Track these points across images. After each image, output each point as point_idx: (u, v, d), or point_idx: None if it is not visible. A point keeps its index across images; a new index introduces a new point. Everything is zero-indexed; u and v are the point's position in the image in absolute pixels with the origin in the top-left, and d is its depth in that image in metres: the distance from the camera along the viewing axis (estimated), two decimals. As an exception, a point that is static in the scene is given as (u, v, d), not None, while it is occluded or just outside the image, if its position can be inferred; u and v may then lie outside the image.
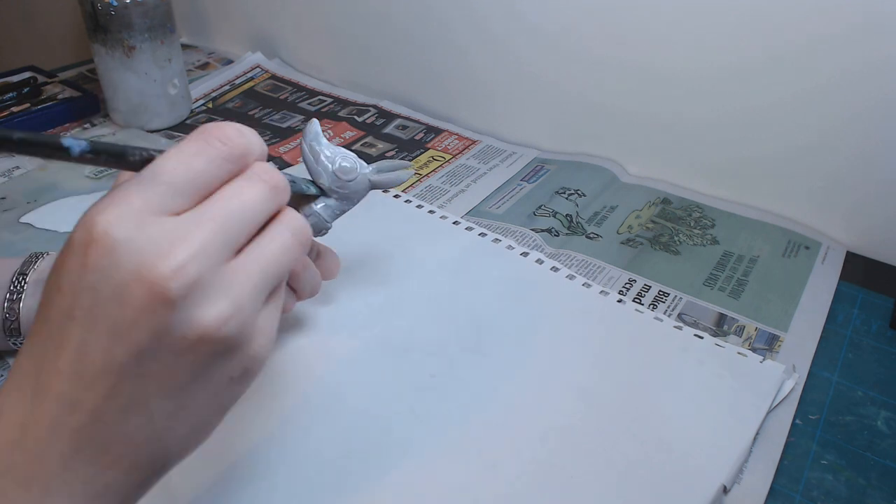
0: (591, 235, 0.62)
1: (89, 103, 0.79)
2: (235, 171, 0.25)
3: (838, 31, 0.56)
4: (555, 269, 0.56)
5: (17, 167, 0.69)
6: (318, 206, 0.40)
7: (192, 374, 0.24)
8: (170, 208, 0.23)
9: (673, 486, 0.39)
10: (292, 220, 0.27)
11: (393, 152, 0.75)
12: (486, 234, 0.60)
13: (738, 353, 0.48)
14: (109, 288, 0.22)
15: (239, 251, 0.25)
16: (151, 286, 0.22)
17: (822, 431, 0.44)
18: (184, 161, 0.24)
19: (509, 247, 0.58)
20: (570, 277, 0.55)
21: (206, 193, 0.24)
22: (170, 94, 0.76)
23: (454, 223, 0.61)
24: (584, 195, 0.68)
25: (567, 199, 0.67)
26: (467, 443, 0.41)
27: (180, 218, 0.23)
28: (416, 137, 0.78)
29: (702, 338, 0.49)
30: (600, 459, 0.40)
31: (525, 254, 0.57)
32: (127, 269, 0.22)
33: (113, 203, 0.23)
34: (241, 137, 0.25)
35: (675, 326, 0.51)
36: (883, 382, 0.48)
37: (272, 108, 0.85)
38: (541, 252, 0.58)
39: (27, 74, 0.85)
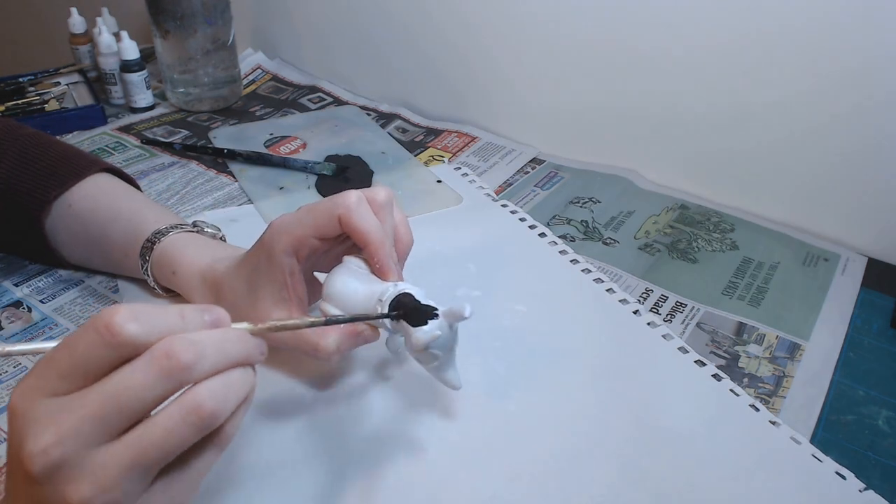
0: (608, 241, 0.61)
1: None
2: (126, 355, 0.25)
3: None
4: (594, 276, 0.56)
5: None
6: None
7: None
8: (55, 390, 0.25)
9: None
10: (186, 402, 0.25)
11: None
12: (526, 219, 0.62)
13: (750, 405, 0.45)
14: (10, 454, 0.26)
15: (124, 432, 0.25)
16: (21, 463, 0.24)
17: (823, 431, 0.44)
18: (68, 348, 0.25)
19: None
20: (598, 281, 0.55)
21: (96, 376, 0.25)
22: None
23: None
24: (599, 202, 0.67)
25: (581, 207, 0.66)
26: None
27: (61, 400, 0.25)
28: (416, 139, 0.78)
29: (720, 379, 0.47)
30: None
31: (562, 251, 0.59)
32: (17, 442, 0.25)
33: (27, 377, 0.25)
34: (131, 323, 0.25)
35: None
36: (884, 381, 0.48)
37: (273, 107, 0.85)
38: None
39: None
